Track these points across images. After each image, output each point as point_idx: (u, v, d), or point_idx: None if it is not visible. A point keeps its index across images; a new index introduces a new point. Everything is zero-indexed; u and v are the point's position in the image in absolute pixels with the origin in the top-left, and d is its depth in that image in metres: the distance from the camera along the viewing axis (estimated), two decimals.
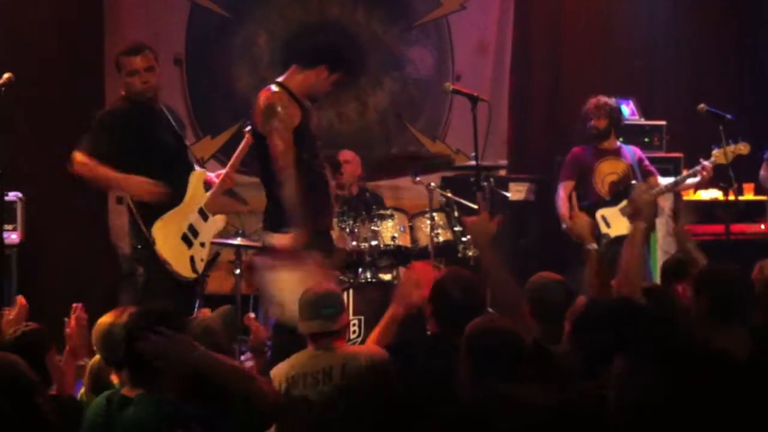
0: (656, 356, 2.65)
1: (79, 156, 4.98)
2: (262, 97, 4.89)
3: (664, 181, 6.70)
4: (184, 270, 5.11)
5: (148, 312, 3.26)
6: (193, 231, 5.17)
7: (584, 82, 7.72)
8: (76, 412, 3.27)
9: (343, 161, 6.89)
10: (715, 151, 6.23)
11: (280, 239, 4.73)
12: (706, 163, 6.29)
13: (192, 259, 5.15)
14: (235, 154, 5.38)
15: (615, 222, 6.45)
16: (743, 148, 6.29)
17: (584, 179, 6.62)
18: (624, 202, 6.49)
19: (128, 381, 3.16)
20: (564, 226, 6.44)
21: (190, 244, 5.15)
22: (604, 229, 6.44)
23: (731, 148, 6.21)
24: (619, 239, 6.33)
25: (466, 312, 3.45)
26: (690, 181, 6.45)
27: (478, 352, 3.02)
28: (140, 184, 4.98)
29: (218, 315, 4.35)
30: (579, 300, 3.75)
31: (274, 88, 4.91)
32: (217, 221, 5.35)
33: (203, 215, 5.23)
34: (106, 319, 3.72)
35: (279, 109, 4.80)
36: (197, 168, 5.40)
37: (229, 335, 3.77)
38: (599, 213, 6.48)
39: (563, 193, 6.58)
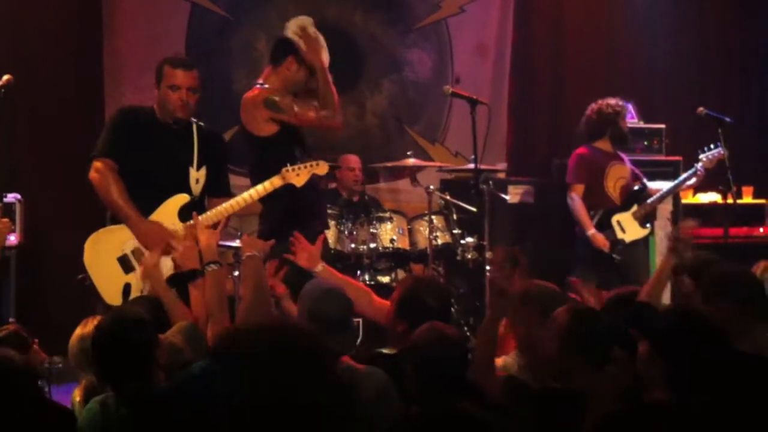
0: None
1: (97, 163, 4.50)
2: (252, 96, 4.94)
3: (661, 185, 6.71)
4: (108, 295, 4.41)
5: (121, 317, 3.26)
6: (138, 255, 4.40)
7: (584, 85, 7.72)
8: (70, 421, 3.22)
9: (348, 168, 6.89)
10: (701, 156, 6.36)
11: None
12: (699, 165, 6.36)
13: (127, 287, 4.39)
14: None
15: (629, 226, 6.45)
16: (720, 155, 6.31)
17: (595, 182, 6.52)
18: (635, 207, 6.50)
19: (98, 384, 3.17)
20: (589, 233, 6.38)
21: (128, 269, 4.44)
22: (619, 234, 6.43)
23: (710, 156, 6.30)
24: (634, 243, 6.39)
25: (440, 318, 3.49)
26: (689, 182, 6.49)
27: None
28: (148, 234, 4.39)
29: (179, 331, 3.82)
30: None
31: (261, 86, 4.97)
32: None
33: None
34: (77, 332, 3.55)
35: (278, 98, 4.90)
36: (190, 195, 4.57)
37: (193, 351, 3.54)
38: (614, 218, 6.47)
39: (578, 197, 6.48)
